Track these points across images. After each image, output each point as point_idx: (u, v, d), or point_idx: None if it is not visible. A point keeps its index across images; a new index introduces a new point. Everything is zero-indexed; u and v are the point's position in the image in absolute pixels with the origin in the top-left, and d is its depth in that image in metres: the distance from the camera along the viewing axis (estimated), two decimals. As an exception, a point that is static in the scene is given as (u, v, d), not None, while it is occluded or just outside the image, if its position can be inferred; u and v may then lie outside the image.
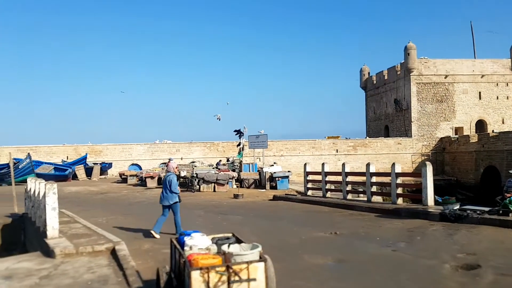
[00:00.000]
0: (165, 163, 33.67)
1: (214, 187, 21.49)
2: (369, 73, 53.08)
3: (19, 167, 31.51)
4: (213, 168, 25.20)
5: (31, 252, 9.71)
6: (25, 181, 13.42)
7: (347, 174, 15.93)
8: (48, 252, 7.88)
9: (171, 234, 9.80)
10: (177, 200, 10.01)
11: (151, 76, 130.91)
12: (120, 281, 6.16)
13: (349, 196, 15.80)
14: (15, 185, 15.63)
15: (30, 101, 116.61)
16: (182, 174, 23.31)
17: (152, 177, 25.73)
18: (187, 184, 22.28)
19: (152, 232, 9.76)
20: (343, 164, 16.22)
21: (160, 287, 5.06)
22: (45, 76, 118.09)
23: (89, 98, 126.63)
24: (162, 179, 24.55)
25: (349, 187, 15.97)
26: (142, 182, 26.88)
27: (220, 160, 31.25)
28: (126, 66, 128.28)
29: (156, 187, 24.49)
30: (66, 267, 6.90)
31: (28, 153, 34.65)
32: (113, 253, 7.72)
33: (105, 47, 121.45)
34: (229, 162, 27.59)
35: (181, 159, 43.53)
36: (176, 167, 13.40)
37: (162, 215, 10.03)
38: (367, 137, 45.69)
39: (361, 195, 16.45)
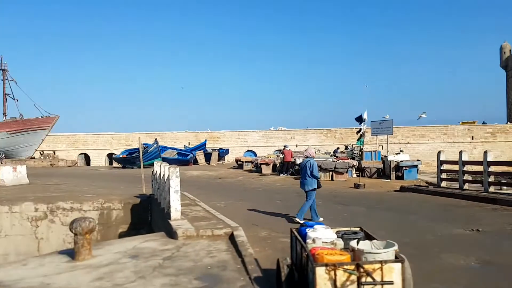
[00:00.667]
0: (280, 150, 33.99)
1: (332, 175, 20.88)
2: (510, 50, 46.70)
3: (148, 151, 34.64)
4: (331, 155, 24.54)
5: (156, 232, 10.35)
6: (152, 165, 14.47)
7: (489, 163, 14.04)
8: (171, 233, 8.24)
9: (290, 222, 9.61)
10: (316, 186, 10.03)
11: (267, 64, 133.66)
12: (239, 268, 6.07)
13: (491, 189, 13.94)
14: (144, 168, 17.07)
15: (157, 90, 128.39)
16: (298, 161, 23.21)
17: (267, 164, 26.09)
18: (303, 171, 22.13)
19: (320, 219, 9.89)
20: (485, 152, 14.32)
21: (281, 280, 4.78)
22: (171, 67, 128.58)
23: (209, 87, 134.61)
24: (277, 164, 25.00)
25: (491, 178, 14.09)
26: (257, 168, 27.45)
27: (338, 148, 30.41)
28: (242, 56, 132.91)
29: (271, 174, 24.79)
30: (187, 250, 7.08)
31: (156, 139, 37.87)
32: (231, 238, 7.74)
33: (226, 38, 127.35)
34: (348, 150, 26.64)
35: (296, 146, 43.61)
36: (315, 152, 13.47)
37: (313, 201, 10.15)
38: (508, 123, 40.41)
39: (505, 187, 14.48)
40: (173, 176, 9.03)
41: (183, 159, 37.10)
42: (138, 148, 24.91)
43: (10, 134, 52.81)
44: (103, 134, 57.35)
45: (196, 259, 6.52)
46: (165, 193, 9.86)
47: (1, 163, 37.63)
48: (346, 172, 21.12)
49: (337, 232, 4.97)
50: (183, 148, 42.82)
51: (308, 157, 10.43)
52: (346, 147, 28.81)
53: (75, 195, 16.03)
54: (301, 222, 9.47)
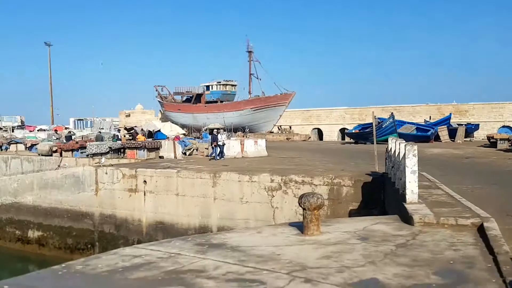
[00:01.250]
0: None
1: None
2: None
3: (382, 126, 34.21)
4: None
5: (390, 214, 10.01)
6: (386, 141, 14.08)
7: None
8: (406, 218, 7.75)
9: None
10: None
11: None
12: (489, 268, 5.20)
13: None
14: (377, 144, 16.78)
15: (392, 60, 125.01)
16: None
17: (529, 142, 22.27)
18: None
19: None
20: None
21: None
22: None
23: (452, 53, 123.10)
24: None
25: None
26: (516, 147, 23.84)
27: None
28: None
29: (537, 155, 21.01)
30: (425, 238, 6.50)
31: (392, 113, 36.99)
32: (481, 230, 6.74)
33: None
34: None
35: None
36: None
37: None
38: None
39: None
40: (409, 154, 8.45)
41: (423, 135, 35.20)
42: (371, 123, 24.78)
43: (253, 110, 60.54)
44: (336, 109, 59.58)
45: (435, 250, 5.90)
46: (400, 172, 9.37)
47: (246, 136, 43.50)
48: None
49: None
50: (423, 123, 40.54)
51: None
52: None
53: (306, 169, 17.06)
54: None
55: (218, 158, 22.13)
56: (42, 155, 27.50)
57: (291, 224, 7.80)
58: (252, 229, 7.65)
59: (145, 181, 16.91)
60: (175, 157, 22.76)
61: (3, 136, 47.62)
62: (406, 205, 8.25)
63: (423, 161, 13.85)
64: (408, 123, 39.01)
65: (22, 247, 20.46)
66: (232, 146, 24.69)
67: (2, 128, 74.81)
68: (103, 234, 17.99)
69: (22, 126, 77.00)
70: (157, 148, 23.92)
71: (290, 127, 61.47)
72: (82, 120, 77.63)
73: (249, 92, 65.44)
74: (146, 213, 16.93)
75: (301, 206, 6.96)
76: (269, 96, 60.72)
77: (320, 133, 60.20)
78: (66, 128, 63.30)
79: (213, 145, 22.55)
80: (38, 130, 61.58)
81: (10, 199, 21.00)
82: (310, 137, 57.00)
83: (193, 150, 25.58)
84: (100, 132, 37.93)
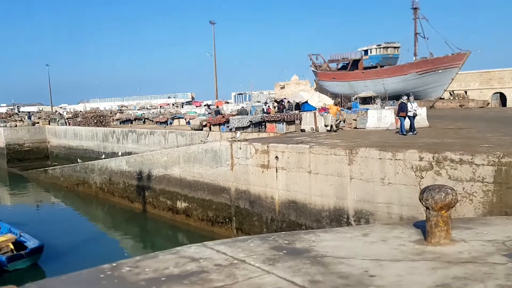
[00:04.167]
0: None
1: None
2: None
3: None
4: None
5: None
6: None
7: None
8: None
9: None
10: None
11: None
12: None
13: None
14: None
15: None
16: None
17: None
18: None
19: None
20: None
21: None
22: None
23: None
24: None
25: None
26: None
27: None
28: None
29: None
30: None
31: None
32: None
33: None
34: None
35: None
36: None
37: None
38: None
39: None
40: None
41: None
42: None
43: (419, 74, 55.15)
44: (525, 69, 50.81)
45: None
46: None
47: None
48: None
49: None
50: None
51: None
52: None
53: (470, 143, 14.22)
54: None
55: (404, 133, 18.27)
56: (194, 129, 29.09)
57: (416, 225, 6.03)
58: (359, 229, 6.12)
59: (276, 157, 16.13)
60: (316, 130, 21.52)
61: (170, 112, 52.61)
62: None
63: None
64: None
65: (172, 217, 21.88)
66: (384, 117, 22.34)
67: (174, 104, 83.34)
68: (239, 209, 17.94)
69: (190, 102, 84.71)
70: (297, 121, 23.03)
71: (466, 92, 54.62)
72: (242, 94, 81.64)
73: (415, 54, 59.66)
74: (279, 190, 16.19)
75: (422, 204, 5.21)
76: (439, 57, 54.45)
77: (503, 99, 52.20)
78: (226, 103, 67.19)
79: (400, 116, 18.70)
80: (204, 105, 66.70)
81: (162, 171, 22.54)
82: (489, 103, 49.91)
83: (340, 122, 23.96)
84: (243, 107, 38.85)
